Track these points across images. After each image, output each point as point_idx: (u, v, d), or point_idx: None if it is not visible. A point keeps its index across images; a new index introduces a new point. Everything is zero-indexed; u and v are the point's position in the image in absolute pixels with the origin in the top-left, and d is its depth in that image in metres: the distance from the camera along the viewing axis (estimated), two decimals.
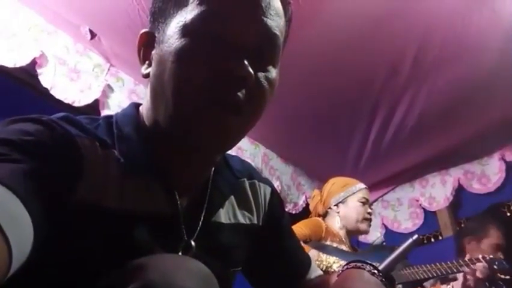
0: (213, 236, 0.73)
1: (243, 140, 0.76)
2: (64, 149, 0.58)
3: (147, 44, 0.69)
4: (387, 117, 2.60)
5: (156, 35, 0.67)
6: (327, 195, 2.29)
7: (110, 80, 2.22)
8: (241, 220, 0.80)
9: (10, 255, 0.43)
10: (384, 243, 3.09)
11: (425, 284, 2.09)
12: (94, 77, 2.14)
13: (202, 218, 0.71)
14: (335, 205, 2.24)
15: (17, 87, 2.04)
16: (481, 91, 2.29)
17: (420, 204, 3.20)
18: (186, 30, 0.61)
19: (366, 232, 2.27)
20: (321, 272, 0.96)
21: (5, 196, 0.45)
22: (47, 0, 1.91)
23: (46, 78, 1.95)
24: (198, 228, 0.70)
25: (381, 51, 2.12)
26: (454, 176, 3.04)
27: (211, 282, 0.52)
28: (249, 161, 0.92)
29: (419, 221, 3.21)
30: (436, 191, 3.12)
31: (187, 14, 0.61)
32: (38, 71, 1.94)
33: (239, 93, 0.61)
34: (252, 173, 0.88)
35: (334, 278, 0.78)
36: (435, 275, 1.94)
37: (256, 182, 0.87)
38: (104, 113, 2.13)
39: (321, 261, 1.91)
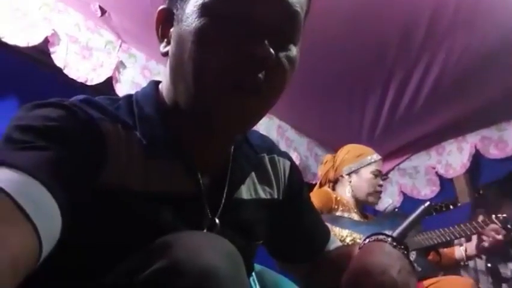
0: (236, 212, 0.75)
1: None
2: (87, 134, 0.59)
3: (165, 21, 0.68)
4: (402, 85, 2.54)
5: (174, 11, 0.66)
6: (340, 163, 2.27)
7: (122, 56, 2.22)
8: (262, 195, 0.82)
9: (40, 244, 0.44)
10: (396, 210, 3.10)
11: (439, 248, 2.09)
12: (106, 54, 2.16)
13: (224, 195, 0.73)
14: (347, 174, 2.23)
15: (31, 66, 2.07)
16: (497, 57, 2.23)
17: (436, 172, 3.18)
18: (205, 10, 0.60)
19: (374, 204, 2.28)
20: (340, 244, 0.97)
21: (31, 185, 0.47)
22: None
23: (59, 56, 1.98)
24: (221, 205, 0.72)
25: (394, 17, 2.06)
26: (470, 142, 2.99)
27: (237, 259, 0.53)
28: (264, 133, 0.92)
29: (436, 188, 3.18)
30: (453, 157, 3.08)
31: None
32: (51, 49, 1.96)
33: (259, 75, 0.60)
34: (271, 148, 0.89)
35: (355, 251, 0.78)
36: (448, 238, 1.94)
37: (275, 156, 0.88)
38: (118, 88, 2.16)
39: (334, 235, 1.92)
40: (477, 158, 3.00)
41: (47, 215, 0.47)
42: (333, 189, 2.29)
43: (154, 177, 0.65)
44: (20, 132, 0.53)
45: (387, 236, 0.75)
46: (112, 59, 2.17)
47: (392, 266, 0.67)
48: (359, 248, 0.77)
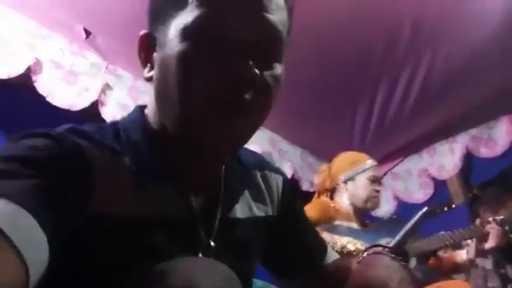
0: (231, 232, 0.74)
1: None
2: (73, 162, 0.58)
3: (148, 45, 0.67)
4: (389, 90, 2.56)
5: (156, 36, 0.66)
6: (335, 171, 2.26)
7: (108, 78, 2.21)
8: (257, 213, 0.80)
9: (27, 273, 0.43)
10: (394, 217, 3.10)
11: (438, 252, 2.09)
12: (92, 77, 2.14)
13: (218, 216, 0.71)
14: (343, 182, 2.22)
15: (16, 94, 2.05)
16: (482, 58, 2.25)
17: (429, 174, 3.19)
18: (187, 33, 0.60)
19: (373, 209, 2.26)
20: (337, 256, 0.97)
21: (16, 213, 0.45)
22: (38, 2, 1.89)
23: (42, 85, 1.96)
24: (216, 226, 0.71)
25: (377, 25, 2.09)
26: (461, 142, 3.00)
27: (234, 283, 0.53)
28: (256, 146, 0.92)
29: (430, 191, 3.18)
30: (444, 159, 3.08)
31: (187, 16, 0.60)
32: (34, 78, 1.95)
33: (246, 95, 0.60)
34: (262, 164, 0.88)
35: (354, 263, 0.78)
36: (447, 243, 1.94)
37: (267, 172, 0.87)
38: (104, 112, 2.14)
39: (335, 243, 1.91)
40: (468, 158, 3.01)
41: (33, 241, 0.46)
42: (331, 198, 2.27)
43: (145, 202, 0.63)
44: (5, 163, 0.52)
45: (385, 247, 0.76)
46: (98, 81, 2.15)
47: (392, 279, 0.67)
48: (358, 262, 0.76)
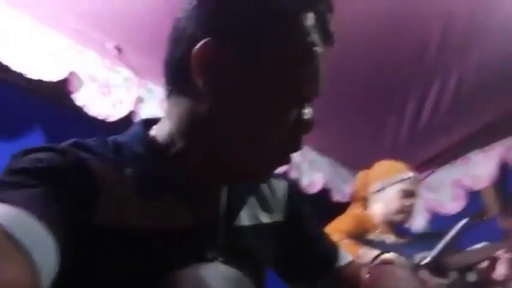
0: (238, 240, 0.73)
1: None
2: (76, 173, 0.58)
3: (209, 61, 0.60)
4: (421, 98, 2.53)
5: (228, 49, 0.60)
6: (368, 180, 2.22)
7: (140, 91, 2.25)
8: (264, 220, 0.80)
9: (39, 276, 0.43)
10: (430, 231, 3.02)
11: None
12: (125, 90, 2.19)
13: (224, 225, 0.72)
14: (374, 192, 2.18)
15: (51, 107, 2.11)
16: None
17: (463, 185, 3.10)
18: (285, 83, 0.63)
19: (402, 223, 2.18)
20: (350, 258, 0.94)
21: (26, 218, 0.46)
22: (70, 21, 1.95)
23: (79, 96, 2.01)
24: (222, 235, 0.70)
25: (408, 30, 2.07)
26: (496, 151, 2.91)
27: (246, 286, 0.52)
28: None
29: (463, 202, 3.09)
30: (479, 169, 2.98)
31: (289, 59, 0.62)
32: (70, 89, 2.00)
33: None
34: None
35: (364, 273, 0.76)
36: (489, 256, 1.88)
37: (271, 179, 0.87)
38: None
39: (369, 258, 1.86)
40: (504, 169, 2.92)
41: (44, 247, 0.46)
42: (366, 207, 2.22)
43: (151, 213, 0.63)
44: (11, 175, 0.54)
45: (391, 254, 0.74)
46: (131, 94, 2.20)
47: None
48: (368, 272, 0.75)
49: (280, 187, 0.88)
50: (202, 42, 0.59)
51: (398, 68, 2.29)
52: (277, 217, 0.84)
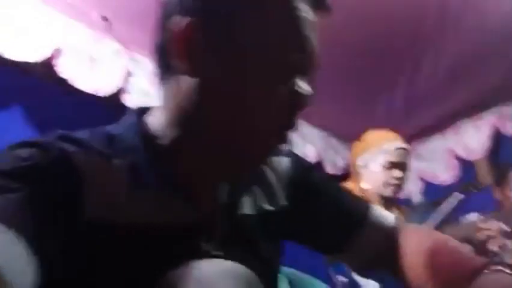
0: (242, 229, 0.70)
1: None
2: (59, 169, 0.56)
3: (193, 41, 0.59)
4: (415, 67, 2.50)
5: (206, 29, 0.59)
6: (354, 153, 2.13)
7: (128, 64, 2.19)
8: (267, 207, 0.75)
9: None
10: (424, 200, 3.03)
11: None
12: (113, 63, 2.13)
13: (226, 215, 0.68)
14: (361, 165, 2.08)
15: (42, 83, 2.07)
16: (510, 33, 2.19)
17: (455, 155, 3.11)
18: (269, 50, 0.60)
19: (390, 196, 2.02)
20: (390, 218, 0.81)
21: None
22: None
23: (64, 69, 1.96)
24: (223, 227, 0.67)
25: (403, 2, 2.05)
26: (488, 120, 2.92)
27: (253, 282, 0.51)
28: None
29: (457, 172, 3.11)
30: (471, 138, 3.00)
31: (271, 29, 0.60)
32: (55, 62, 1.94)
33: None
34: None
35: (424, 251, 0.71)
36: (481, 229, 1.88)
37: (273, 159, 0.80)
38: (126, 99, 2.14)
39: None
40: (496, 137, 2.92)
41: (14, 258, 0.43)
42: (358, 179, 2.11)
43: (147, 208, 0.60)
44: None
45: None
46: (119, 67, 2.14)
47: None
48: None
49: (280, 165, 0.81)
50: (184, 22, 0.59)
51: (391, 38, 2.27)
52: (281, 201, 0.78)
